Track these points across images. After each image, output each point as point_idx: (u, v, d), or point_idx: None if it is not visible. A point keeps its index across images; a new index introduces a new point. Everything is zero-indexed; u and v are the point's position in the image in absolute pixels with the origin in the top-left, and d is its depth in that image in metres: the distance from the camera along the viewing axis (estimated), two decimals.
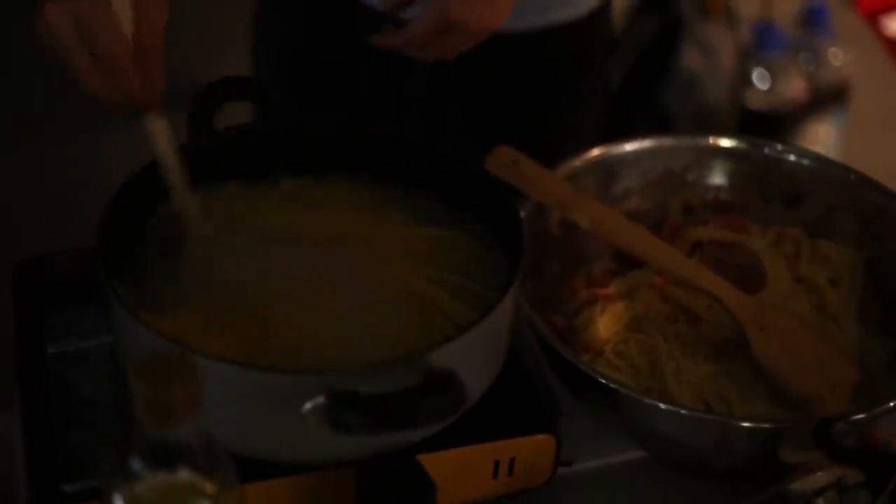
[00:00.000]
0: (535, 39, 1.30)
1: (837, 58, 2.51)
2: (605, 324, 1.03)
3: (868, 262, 1.10)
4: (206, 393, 0.67)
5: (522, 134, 1.10)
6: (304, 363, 0.86)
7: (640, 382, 1.00)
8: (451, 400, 0.81)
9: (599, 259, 1.12)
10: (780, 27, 2.49)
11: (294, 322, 0.89)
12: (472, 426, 0.88)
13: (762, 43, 2.45)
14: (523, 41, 1.28)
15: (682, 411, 0.92)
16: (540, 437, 0.92)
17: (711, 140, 1.16)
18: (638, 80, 2.43)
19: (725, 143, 1.16)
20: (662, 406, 0.92)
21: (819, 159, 1.14)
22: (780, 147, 1.15)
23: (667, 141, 1.15)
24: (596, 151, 1.12)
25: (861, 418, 0.89)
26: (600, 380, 0.93)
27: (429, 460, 0.87)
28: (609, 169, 1.13)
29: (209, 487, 0.69)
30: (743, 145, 1.16)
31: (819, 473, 0.87)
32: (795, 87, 2.45)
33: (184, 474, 0.68)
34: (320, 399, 0.80)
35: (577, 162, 1.10)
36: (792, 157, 1.14)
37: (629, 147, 1.14)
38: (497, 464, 0.91)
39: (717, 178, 1.16)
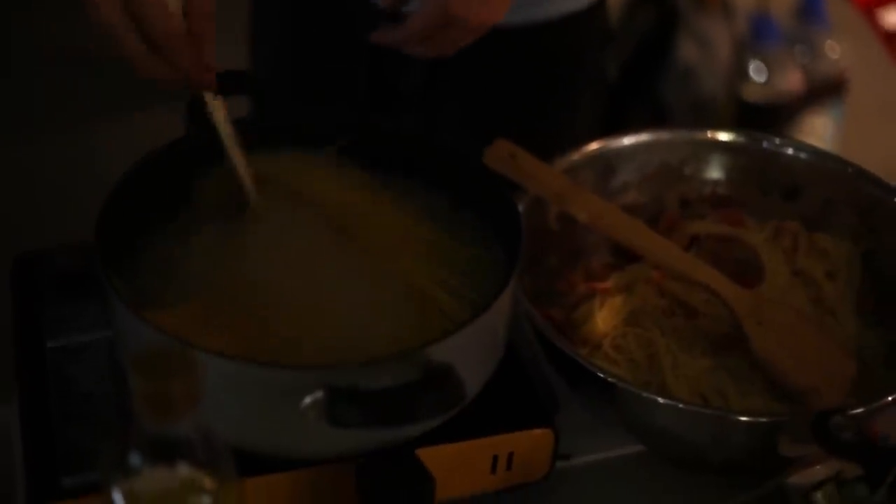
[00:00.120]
0: (532, 32, 1.29)
1: (834, 50, 2.51)
2: (604, 318, 1.03)
3: (865, 255, 1.10)
4: (206, 388, 0.67)
5: (519, 127, 1.10)
6: (303, 359, 0.86)
7: (638, 376, 1.00)
8: (449, 395, 0.81)
9: (597, 253, 1.12)
10: (777, 19, 2.49)
11: (294, 321, 0.89)
12: (470, 421, 0.88)
13: (758, 35, 2.45)
14: (521, 34, 1.28)
15: (680, 405, 0.92)
16: (538, 431, 0.92)
17: (709, 134, 1.16)
18: (634, 72, 2.43)
19: (723, 136, 1.16)
20: (660, 400, 0.92)
21: (816, 153, 1.14)
22: (777, 141, 1.15)
23: (664, 135, 1.15)
24: (594, 145, 1.12)
25: (859, 412, 0.90)
26: (598, 374, 0.93)
27: (428, 455, 0.87)
28: (607, 163, 1.13)
29: (208, 482, 0.69)
30: (740, 139, 1.15)
31: (817, 467, 0.87)
32: (792, 80, 2.45)
33: (183, 469, 0.68)
34: (319, 394, 0.80)
35: (574, 156, 1.10)
36: (789, 151, 1.14)
37: (626, 141, 1.14)
38: (495, 458, 0.92)
39: (715, 172, 1.16)
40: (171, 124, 1.00)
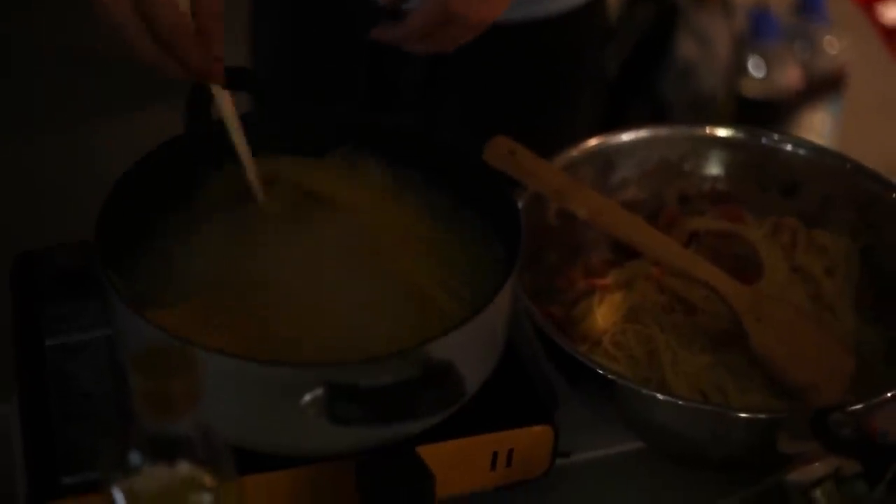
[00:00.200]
0: (532, 29, 1.29)
1: (833, 46, 2.51)
2: (603, 314, 1.03)
3: (864, 251, 1.10)
4: (206, 386, 0.67)
5: (519, 124, 1.10)
6: (303, 357, 0.86)
7: (637, 373, 1.00)
8: (449, 392, 0.81)
9: (597, 249, 1.12)
10: (776, 15, 2.49)
11: (294, 320, 0.89)
12: (470, 418, 0.88)
13: (757, 31, 2.45)
14: (520, 31, 1.28)
15: (680, 402, 0.92)
16: (538, 428, 0.92)
17: (708, 130, 1.16)
18: (634, 69, 2.43)
19: (722, 132, 1.16)
20: (660, 397, 0.92)
21: (815, 149, 1.14)
22: (776, 136, 1.15)
23: (663, 131, 1.15)
24: (593, 141, 1.12)
25: (858, 408, 0.90)
26: (598, 370, 0.93)
27: (428, 452, 0.87)
28: (606, 159, 1.13)
29: (209, 480, 0.69)
30: (739, 135, 1.15)
31: (816, 464, 0.87)
32: (791, 75, 2.45)
33: (183, 467, 0.68)
34: (319, 391, 0.80)
35: (574, 152, 1.10)
36: (788, 147, 1.14)
37: (626, 137, 1.14)
38: (495, 455, 0.92)
39: (714, 168, 1.16)
40: (171, 124, 1.00)
